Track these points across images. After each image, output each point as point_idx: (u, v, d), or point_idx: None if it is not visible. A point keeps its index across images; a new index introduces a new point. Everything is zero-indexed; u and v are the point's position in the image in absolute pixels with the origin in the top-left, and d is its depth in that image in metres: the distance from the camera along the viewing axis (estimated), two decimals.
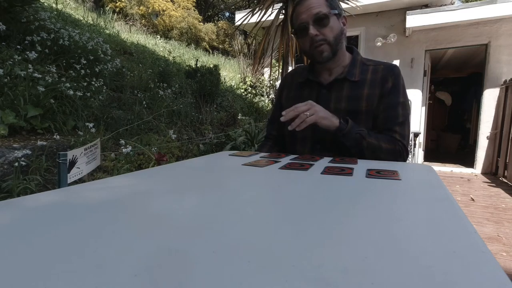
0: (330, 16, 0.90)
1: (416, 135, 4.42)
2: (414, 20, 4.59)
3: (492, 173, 4.82)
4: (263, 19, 3.05)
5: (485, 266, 0.25)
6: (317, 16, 0.89)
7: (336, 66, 0.98)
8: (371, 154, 0.88)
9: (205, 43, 12.73)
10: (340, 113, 0.93)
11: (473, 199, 3.40)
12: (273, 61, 5.08)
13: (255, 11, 3.12)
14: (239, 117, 4.48)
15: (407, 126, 0.94)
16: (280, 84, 1.16)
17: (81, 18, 5.71)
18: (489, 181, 4.40)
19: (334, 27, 0.92)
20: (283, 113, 0.86)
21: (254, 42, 5.86)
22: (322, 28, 0.91)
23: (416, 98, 5.02)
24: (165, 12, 11.54)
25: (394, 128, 0.91)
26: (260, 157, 0.84)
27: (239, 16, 5.50)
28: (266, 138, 1.19)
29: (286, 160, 0.78)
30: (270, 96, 6.20)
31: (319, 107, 0.87)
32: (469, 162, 5.34)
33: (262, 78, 6.42)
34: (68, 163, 0.95)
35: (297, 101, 1.03)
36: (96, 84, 2.99)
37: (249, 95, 6.17)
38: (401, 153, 0.91)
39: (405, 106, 0.94)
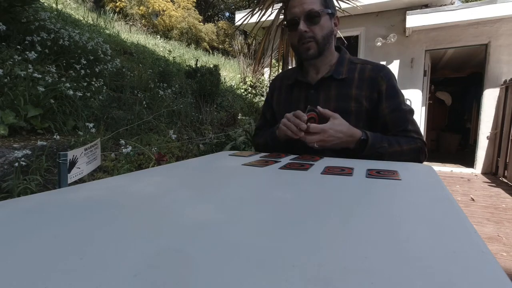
0: (322, 14, 0.91)
1: None
2: (414, 20, 4.59)
3: (492, 173, 4.82)
4: (263, 19, 3.05)
5: (485, 266, 0.25)
6: (309, 12, 0.90)
7: (323, 65, 0.98)
8: (394, 159, 0.87)
9: (205, 43, 12.74)
10: None
11: (473, 199, 3.40)
12: (273, 61, 5.07)
13: (255, 11, 3.12)
14: (239, 117, 4.48)
15: (415, 121, 0.95)
16: (270, 88, 1.15)
17: (81, 18, 5.71)
18: (489, 181, 4.39)
19: (325, 26, 0.92)
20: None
21: (254, 42, 5.86)
22: (312, 26, 0.91)
23: (416, 98, 5.02)
24: (165, 12, 11.55)
25: (407, 128, 0.92)
26: (260, 157, 0.84)
27: (239, 16, 5.50)
28: (258, 129, 1.17)
29: (286, 160, 0.78)
30: None
31: (330, 134, 0.82)
32: (469, 162, 5.33)
33: (262, 78, 6.41)
34: (68, 163, 0.95)
35: (287, 104, 1.04)
36: (96, 84, 2.99)
37: (249, 95, 6.16)
38: (423, 148, 0.91)
39: (405, 102, 0.96)
